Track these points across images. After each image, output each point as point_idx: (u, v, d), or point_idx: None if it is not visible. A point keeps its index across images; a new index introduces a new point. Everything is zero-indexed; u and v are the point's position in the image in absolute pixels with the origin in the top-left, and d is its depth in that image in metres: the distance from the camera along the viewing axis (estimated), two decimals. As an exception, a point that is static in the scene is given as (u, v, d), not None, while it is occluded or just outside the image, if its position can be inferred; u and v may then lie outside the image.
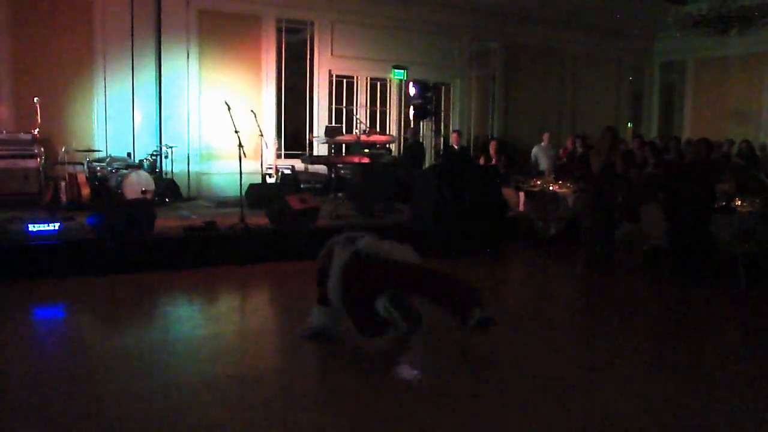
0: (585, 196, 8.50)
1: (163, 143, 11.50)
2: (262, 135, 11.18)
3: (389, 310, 4.82)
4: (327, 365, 4.99)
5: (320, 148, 13.14)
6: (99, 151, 11.01)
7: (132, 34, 11.50)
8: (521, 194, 10.97)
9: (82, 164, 10.53)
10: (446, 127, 15.07)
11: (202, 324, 5.93)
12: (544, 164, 13.02)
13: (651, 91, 18.23)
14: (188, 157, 11.87)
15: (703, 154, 8.02)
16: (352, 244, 5.13)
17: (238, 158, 8.74)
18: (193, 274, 7.47)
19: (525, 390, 4.36)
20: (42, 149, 10.06)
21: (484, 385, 4.51)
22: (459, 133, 13.63)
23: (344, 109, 13.67)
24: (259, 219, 8.81)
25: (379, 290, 4.87)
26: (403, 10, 13.75)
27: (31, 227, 7.21)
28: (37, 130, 10.11)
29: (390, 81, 14.05)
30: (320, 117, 13.39)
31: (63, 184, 9.88)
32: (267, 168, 11.65)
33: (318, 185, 12.45)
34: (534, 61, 15.89)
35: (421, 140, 13.90)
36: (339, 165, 11.42)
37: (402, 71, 12.81)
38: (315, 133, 13.15)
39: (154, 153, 11.24)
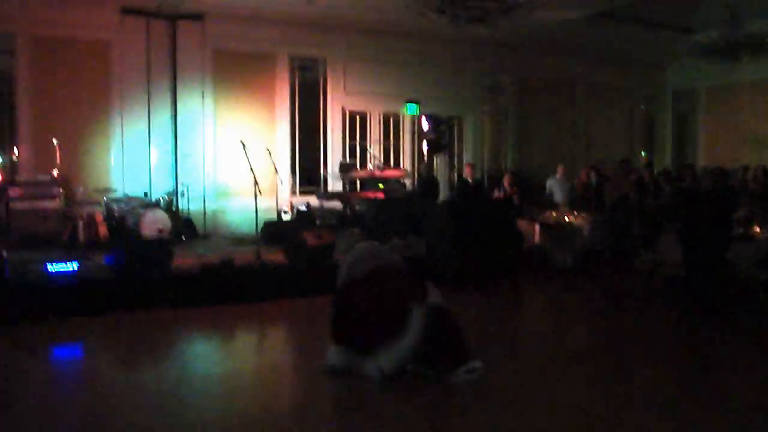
0: (601, 227, 8.48)
1: (179, 182, 11.61)
2: (277, 172, 11.24)
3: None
4: (343, 404, 4.95)
5: (335, 184, 13.21)
6: (116, 190, 11.12)
7: (148, 75, 11.67)
8: (536, 226, 10.94)
9: (100, 204, 10.65)
10: (460, 160, 15.12)
11: (220, 362, 5.93)
12: (559, 196, 12.98)
13: (664, 120, 18.24)
14: (204, 195, 11.92)
15: (718, 182, 8.00)
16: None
17: (253, 196, 8.79)
18: (210, 311, 7.48)
19: (546, 423, 4.30)
20: (61, 190, 10.20)
21: (503, 415, 4.46)
22: (473, 166, 13.63)
23: (358, 145, 13.76)
24: (275, 256, 8.84)
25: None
26: (414, 45, 13.89)
27: (50, 267, 7.27)
28: (56, 171, 10.27)
29: (403, 115, 14.13)
30: (334, 153, 13.50)
31: (81, 223, 9.95)
32: (282, 205, 11.70)
33: (333, 221, 12.47)
34: (546, 92, 15.96)
35: (435, 174, 13.93)
36: (354, 200, 11.45)
37: (415, 105, 12.88)
38: (329, 169, 13.24)
39: (171, 192, 11.35)
